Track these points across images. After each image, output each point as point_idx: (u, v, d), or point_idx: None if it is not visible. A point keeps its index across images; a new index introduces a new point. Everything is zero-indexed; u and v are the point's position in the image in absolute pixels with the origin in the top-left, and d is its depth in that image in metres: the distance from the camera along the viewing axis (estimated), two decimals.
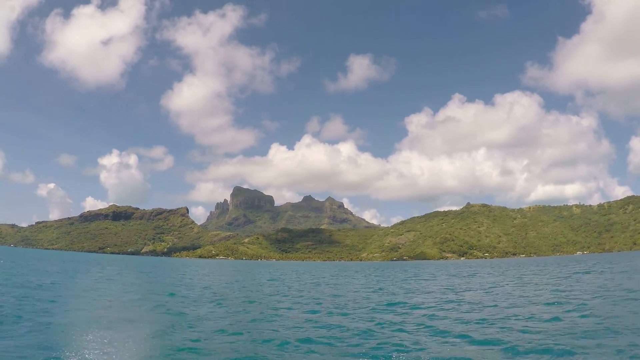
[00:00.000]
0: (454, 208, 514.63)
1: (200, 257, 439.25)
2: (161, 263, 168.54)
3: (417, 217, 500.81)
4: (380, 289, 46.79)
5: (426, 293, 40.70)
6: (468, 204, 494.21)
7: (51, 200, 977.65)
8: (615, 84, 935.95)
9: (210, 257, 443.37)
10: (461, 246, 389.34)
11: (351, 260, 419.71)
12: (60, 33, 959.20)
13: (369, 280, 65.75)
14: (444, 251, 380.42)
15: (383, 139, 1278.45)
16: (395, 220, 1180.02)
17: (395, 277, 71.29)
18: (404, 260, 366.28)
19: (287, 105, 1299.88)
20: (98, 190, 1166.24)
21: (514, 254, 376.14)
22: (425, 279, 63.63)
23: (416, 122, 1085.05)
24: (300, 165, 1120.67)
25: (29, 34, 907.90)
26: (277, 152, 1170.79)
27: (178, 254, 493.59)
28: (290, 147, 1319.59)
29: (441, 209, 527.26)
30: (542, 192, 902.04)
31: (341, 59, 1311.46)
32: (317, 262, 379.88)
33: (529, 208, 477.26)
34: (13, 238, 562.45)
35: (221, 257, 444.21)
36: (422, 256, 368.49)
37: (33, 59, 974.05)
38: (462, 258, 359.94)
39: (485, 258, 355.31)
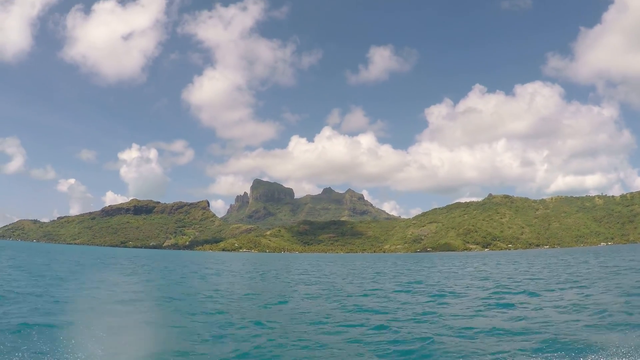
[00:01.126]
0: (475, 199, 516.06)
1: (223, 250, 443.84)
2: (203, 257, 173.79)
3: (439, 208, 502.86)
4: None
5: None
6: (490, 195, 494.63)
7: (72, 196, 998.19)
8: (637, 74, 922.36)
9: (234, 250, 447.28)
10: (484, 237, 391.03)
11: (374, 252, 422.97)
12: (81, 28, 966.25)
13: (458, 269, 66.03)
14: (468, 242, 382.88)
15: (403, 130, 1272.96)
16: (415, 211, 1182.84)
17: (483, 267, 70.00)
18: (428, 251, 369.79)
19: (308, 98, 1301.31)
20: (118, 184, 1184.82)
21: (538, 245, 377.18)
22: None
23: (437, 113, 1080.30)
24: (320, 157, 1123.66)
25: (49, 30, 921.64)
26: (297, 145, 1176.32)
27: (201, 247, 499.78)
28: (310, 139, 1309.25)
29: (462, 200, 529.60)
30: (563, 183, 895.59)
31: (362, 50, 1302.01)
32: (340, 254, 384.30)
33: (551, 199, 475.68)
34: (35, 233, 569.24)
35: (244, 250, 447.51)
36: (446, 247, 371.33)
37: (54, 54, 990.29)
38: (485, 249, 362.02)
39: (509, 249, 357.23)
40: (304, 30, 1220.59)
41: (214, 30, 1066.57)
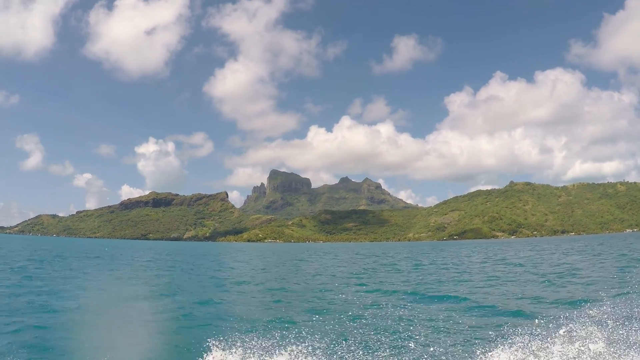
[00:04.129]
0: (492, 187, 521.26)
1: (248, 241, 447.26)
2: (243, 249, 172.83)
3: (460, 196, 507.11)
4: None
5: None
6: (511, 182, 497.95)
7: (88, 190, 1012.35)
8: None
9: (258, 240, 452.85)
10: (509, 225, 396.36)
11: (398, 240, 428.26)
12: (104, 24, 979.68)
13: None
14: (494, 230, 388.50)
15: (423, 119, 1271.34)
16: (431, 200, 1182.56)
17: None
18: (455, 239, 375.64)
19: (331, 88, 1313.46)
20: (134, 178, 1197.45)
21: (563, 232, 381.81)
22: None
23: (458, 101, 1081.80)
24: (340, 147, 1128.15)
25: (72, 27, 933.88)
26: (316, 135, 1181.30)
27: (223, 238, 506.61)
28: (329, 129, 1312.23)
29: (483, 188, 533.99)
30: (580, 169, 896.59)
31: (386, 40, 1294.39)
32: (365, 242, 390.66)
33: (573, 186, 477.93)
34: (55, 228, 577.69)
35: (269, 240, 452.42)
36: (473, 235, 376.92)
37: (76, 51, 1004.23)
38: (512, 237, 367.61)
39: (535, 236, 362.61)
40: (329, 21, 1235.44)
41: (239, 22, 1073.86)
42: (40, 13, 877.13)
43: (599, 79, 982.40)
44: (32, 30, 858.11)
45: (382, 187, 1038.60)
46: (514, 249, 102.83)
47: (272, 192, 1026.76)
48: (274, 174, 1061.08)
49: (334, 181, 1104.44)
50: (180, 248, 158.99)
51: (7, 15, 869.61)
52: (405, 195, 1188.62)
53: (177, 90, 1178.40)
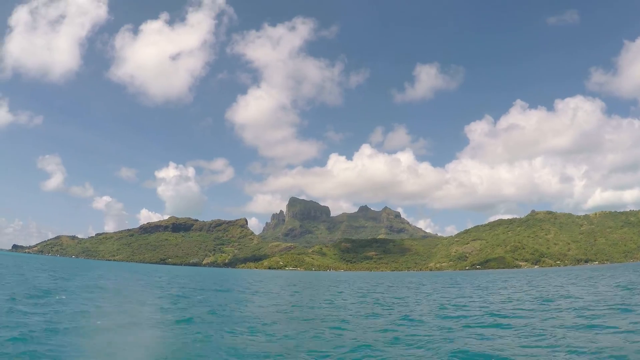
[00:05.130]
0: (511, 216, 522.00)
1: (269, 268, 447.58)
2: (268, 276, 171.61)
3: (481, 225, 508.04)
4: None
5: None
6: (533, 211, 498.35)
7: (107, 213, 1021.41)
8: None
9: (279, 268, 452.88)
10: (532, 254, 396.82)
11: (420, 270, 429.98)
12: (130, 48, 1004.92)
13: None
14: (516, 259, 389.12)
15: (443, 147, 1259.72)
16: (450, 229, 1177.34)
17: None
18: (477, 268, 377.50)
19: (353, 117, 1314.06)
20: (153, 202, 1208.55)
21: (586, 261, 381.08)
22: None
23: (479, 130, 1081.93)
24: (360, 175, 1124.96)
25: (97, 50, 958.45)
26: (336, 163, 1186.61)
27: (243, 264, 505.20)
28: (349, 157, 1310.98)
29: (500, 217, 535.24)
30: (600, 198, 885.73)
31: (408, 68, 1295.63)
32: (386, 272, 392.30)
33: (595, 214, 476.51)
34: (74, 249, 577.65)
35: (290, 268, 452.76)
36: (496, 264, 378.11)
37: (101, 74, 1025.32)
38: (535, 266, 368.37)
39: (558, 266, 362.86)
40: (353, 49, 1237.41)
41: (263, 49, 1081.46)
42: (67, 35, 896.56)
43: (619, 106, 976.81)
44: (59, 52, 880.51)
45: (401, 216, 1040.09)
46: (579, 277, 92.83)
47: (291, 220, 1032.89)
48: (293, 202, 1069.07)
49: (352, 209, 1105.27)
50: (216, 274, 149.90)
51: (34, 37, 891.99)
52: (424, 225, 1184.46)
53: (200, 116, 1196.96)
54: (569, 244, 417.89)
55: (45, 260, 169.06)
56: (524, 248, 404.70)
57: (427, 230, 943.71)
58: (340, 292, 61.02)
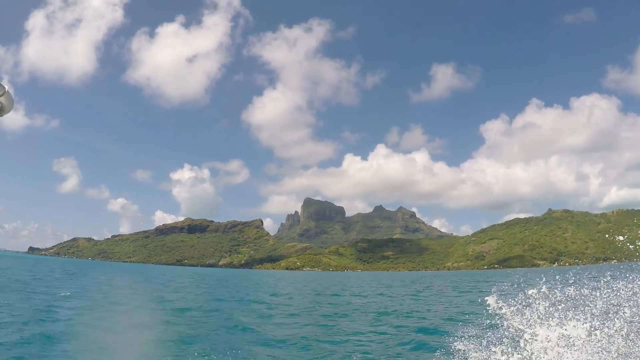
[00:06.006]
0: (526, 215, 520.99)
1: (286, 269, 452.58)
2: (308, 277, 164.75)
3: (497, 224, 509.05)
4: None
5: None
6: (550, 209, 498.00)
7: (122, 215, 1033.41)
8: None
9: (296, 268, 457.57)
10: (550, 253, 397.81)
11: (437, 269, 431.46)
12: (146, 51, 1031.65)
13: None
14: (535, 258, 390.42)
15: (458, 147, 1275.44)
16: (465, 228, 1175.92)
17: None
18: (495, 268, 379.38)
19: (369, 117, 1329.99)
20: (168, 204, 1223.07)
21: (605, 260, 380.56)
22: None
23: (495, 129, 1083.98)
24: (375, 175, 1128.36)
25: (114, 53, 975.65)
26: (352, 163, 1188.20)
27: (260, 265, 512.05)
28: (365, 157, 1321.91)
29: (519, 216, 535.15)
30: (616, 196, 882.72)
31: (425, 68, 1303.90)
32: (404, 272, 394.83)
33: (612, 212, 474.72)
34: (90, 251, 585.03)
35: (307, 268, 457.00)
36: (514, 263, 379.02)
37: (118, 77, 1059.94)
38: (554, 265, 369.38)
39: (577, 264, 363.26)
40: (369, 50, 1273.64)
41: (279, 51, 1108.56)
42: (83, 39, 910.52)
43: (635, 104, 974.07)
44: (75, 56, 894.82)
45: (416, 216, 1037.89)
46: None
47: (306, 220, 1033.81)
48: (308, 202, 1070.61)
49: (368, 210, 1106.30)
50: (252, 276, 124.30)
51: (51, 41, 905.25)
52: (439, 224, 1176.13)
53: (216, 118, 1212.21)
54: (586, 242, 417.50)
55: (64, 263, 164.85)
56: (542, 247, 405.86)
57: (443, 230, 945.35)
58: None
